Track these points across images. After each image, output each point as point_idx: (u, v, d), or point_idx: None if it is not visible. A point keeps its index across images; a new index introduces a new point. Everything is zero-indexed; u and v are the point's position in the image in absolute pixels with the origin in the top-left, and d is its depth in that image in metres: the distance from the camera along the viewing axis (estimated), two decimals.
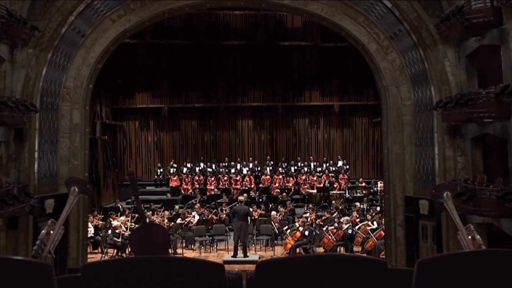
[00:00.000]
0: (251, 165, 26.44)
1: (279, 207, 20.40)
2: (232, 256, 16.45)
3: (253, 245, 18.03)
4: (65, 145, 14.63)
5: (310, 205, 21.36)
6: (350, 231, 17.33)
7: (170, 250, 17.08)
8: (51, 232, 3.43)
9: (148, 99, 27.50)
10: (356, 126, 27.83)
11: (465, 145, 13.44)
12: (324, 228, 17.85)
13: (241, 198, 18.44)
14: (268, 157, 27.14)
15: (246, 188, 24.02)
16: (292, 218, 19.34)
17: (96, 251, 17.85)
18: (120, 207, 21.68)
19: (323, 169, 26.05)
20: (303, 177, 25.25)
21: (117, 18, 14.72)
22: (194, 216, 19.02)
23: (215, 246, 18.29)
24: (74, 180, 3.89)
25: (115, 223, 17.72)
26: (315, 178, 25.16)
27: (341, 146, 27.82)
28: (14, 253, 12.57)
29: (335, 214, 18.77)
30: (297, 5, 14.82)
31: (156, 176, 26.46)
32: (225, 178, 25.05)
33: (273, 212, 19.28)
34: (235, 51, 26.62)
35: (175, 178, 25.12)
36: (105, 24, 14.72)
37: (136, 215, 18.00)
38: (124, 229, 17.48)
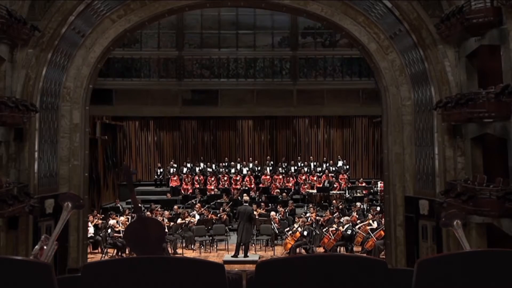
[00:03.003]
0: (251, 165, 26.43)
1: (278, 207, 20.40)
2: (232, 256, 16.46)
3: (253, 245, 18.03)
4: (65, 145, 14.64)
5: (311, 205, 21.37)
6: (350, 231, 17.33)
7: (169, 249, 17.10)
8: (45, 247, 3.44)
9: None
10: (356, 126, 27.82)
11: (465, 145, 13.45)
12: (325, 229, 17.85)
13: (245, 198, 18.42)
14: (268, 157, 27.13)
15: (246, 188, 24.01)
16: (292, 218, 19.34)
17: (96, 251, 17.84)
18: (120, 207, 21.69)
19: (323, 169, 26.05)
20: (303, 177, 25.25)
21: (117, 18, 14.74)
22: (194, 216, 19.03)
23: (215, 246, 18.30)
24: (67, 196, 3.89)
25: (111, 221, 17.73)
26: (315, 178, 25.16)
27: (341, 146, 27.81)
28: (14, 253, 12.58)
29: (335, 214, 18.78)
30: (297, 5, 14.82)
31: (156, 176, 26.46)
32: (225, 178, 25.05)
33: (272, 213, 19.27)
34: None
35: (175, 178, 25.13)
36: (105, 24, 14.73)
37: (135, 215, 17.97)
38: (122, 227, 17.49)
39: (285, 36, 16.78)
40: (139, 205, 10.58)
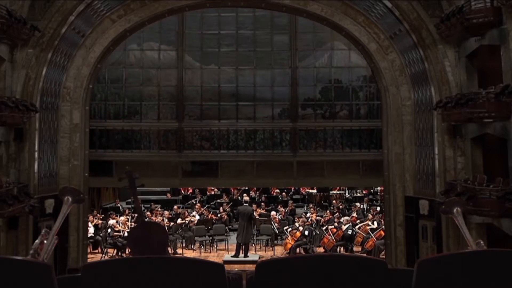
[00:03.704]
0: None
1: (279, 207, 20.42)
2: (233, 256, 16.46)
3: (253, 245, 18.04)
4: (65, 145, 14.65)
5: (311, 205, 21.38)
6: (350, 231, 17.35)
7: (169, 250, 17.10)
8: (45, 241, 3.45)
9: None
10: None
11: (465, 145, 13.45)
12: (324, 228, 17.88)
13: (245, 198, 18.44)
14: None
15: (246, 188, 24.01)
16: (292, 218, 19.36)
17: (96, 251, 17.85)
18: (120, 207, 21.70)
19: None
20: None
21: (117, 18, 14.75)
22: (194, 216, 19.04)
23: (215, 246, 18.30)
24: (67, 190, 3.91)
25: (111, 221, 17.74)
26: None
27: None
28: (14, 253, 12.59)
29: (336, 214, 18.80)
30: (297, 5, 14.84)
31: None
32: None
33: (273, 212, 19.30)
34: None
35: None
36: (105, 24, 14.74)
37: (136, 215, 18.02)
38: (122, 227, 17.52)
39: (285, 108, 16.75)
40: (143, 210, 10.64)
